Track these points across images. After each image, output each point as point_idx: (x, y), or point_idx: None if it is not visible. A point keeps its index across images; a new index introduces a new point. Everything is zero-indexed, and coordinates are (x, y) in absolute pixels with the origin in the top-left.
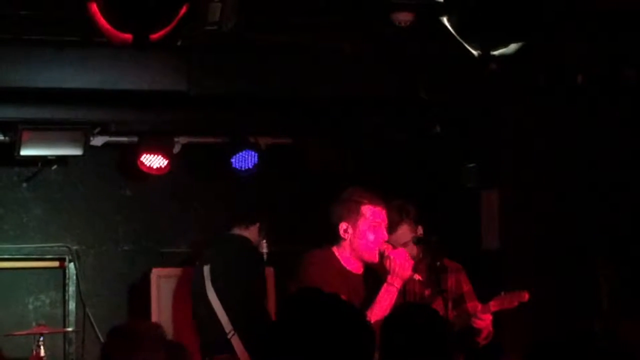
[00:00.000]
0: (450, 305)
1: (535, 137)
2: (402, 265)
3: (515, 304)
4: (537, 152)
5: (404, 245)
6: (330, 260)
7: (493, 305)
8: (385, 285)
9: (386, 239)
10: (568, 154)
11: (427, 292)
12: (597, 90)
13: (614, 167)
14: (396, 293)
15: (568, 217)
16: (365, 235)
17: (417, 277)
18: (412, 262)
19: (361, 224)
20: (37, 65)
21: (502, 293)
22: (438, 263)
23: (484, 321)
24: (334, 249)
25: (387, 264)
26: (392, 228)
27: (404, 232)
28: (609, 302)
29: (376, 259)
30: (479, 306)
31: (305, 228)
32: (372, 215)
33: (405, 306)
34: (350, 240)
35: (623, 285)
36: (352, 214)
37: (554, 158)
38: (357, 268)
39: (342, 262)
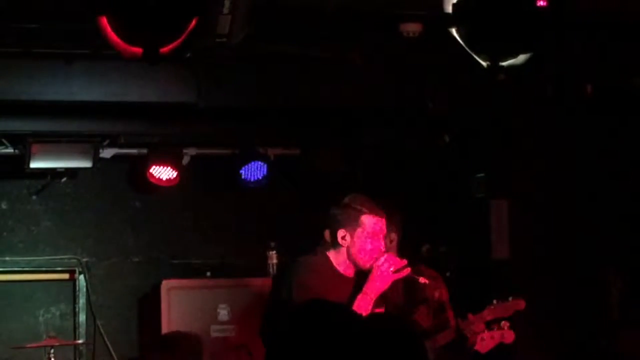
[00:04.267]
0: (432, 314)
1: (544, 146)
2: (382, 275)
3: (511, 312)
4: (546, 162)
5: None
6: (325, 266)
7: (487, 314)
8: (360, 294)
9: (383, 250)
10: (577, 163)
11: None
12: (606, 100)
13: (624, 177)
14: (371, 303)
15: (578, 226)
16: (363, 245)
17: (422, 280)
18: (395, 275)
19: (360, 233)
20: (46, 78)
21: (495, 301)
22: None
23: (477, 328)
24: (329, 254)
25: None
26: None
27: None
28: (619, 312)
29: (367, 268)
30: (471, 315)
31: (315, 238)
32: (371, 225)
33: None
34: (347, 247)
35: (633, 295)
36: (352, 222)
37: (563, 167)
38: (350, 272)
39: (336, 267)
